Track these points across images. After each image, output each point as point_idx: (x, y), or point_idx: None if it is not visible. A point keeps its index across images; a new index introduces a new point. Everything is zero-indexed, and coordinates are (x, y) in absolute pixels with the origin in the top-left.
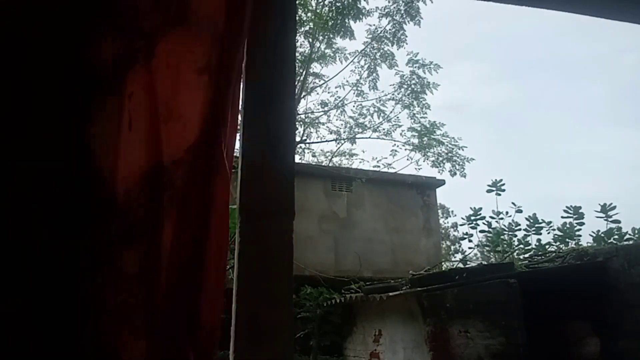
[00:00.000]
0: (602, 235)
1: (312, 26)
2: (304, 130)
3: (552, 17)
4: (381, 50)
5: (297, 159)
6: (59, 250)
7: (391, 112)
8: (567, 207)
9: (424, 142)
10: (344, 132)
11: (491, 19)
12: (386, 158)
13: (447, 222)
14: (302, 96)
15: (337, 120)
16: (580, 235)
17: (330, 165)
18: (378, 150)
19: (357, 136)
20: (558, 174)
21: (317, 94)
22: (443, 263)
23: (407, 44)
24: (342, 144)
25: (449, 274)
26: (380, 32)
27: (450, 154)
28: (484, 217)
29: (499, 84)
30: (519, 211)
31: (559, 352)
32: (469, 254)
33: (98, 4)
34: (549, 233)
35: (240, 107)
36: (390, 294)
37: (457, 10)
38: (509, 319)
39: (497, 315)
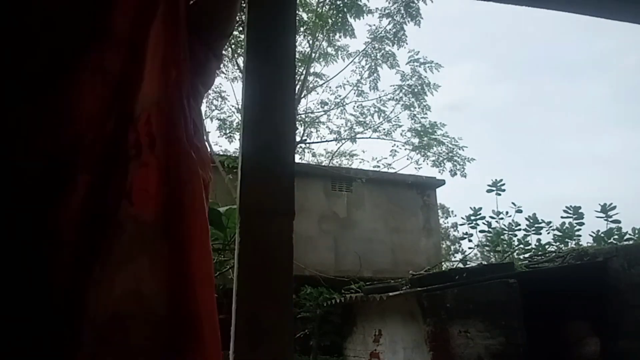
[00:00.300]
0: (602, 235)
1: (311, 26)
2: (304, 130)
3: (553, 17)
4: (382, 51)
5: (297, 159)
6: None
7: (391, 112)
8: (566, 207)
9: (424, 142)
10: (344, 132)
11: (491, 19)
12: (386, 158)
13: (447, 222)
14: (302, 96)
15: (337, 119)
16: (580, 236)
17: (330, 165)
18: (378, 150)
19: (357, 136)
20: (558, 174)
21: (317, 93)
22: (443, 263)
23: (407, 43)
24: (342, 144)
25: (449, 274)
26: (381, 32)
27: (450, 154)
28: (484, 217)
29: (500, 84)
30: (519, 211)
31: (559, 352)
32: (469, 254)
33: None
34: (548, 233)
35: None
36: (390, 294)
37: (457, 10)
38: (509, 319)
39: (497, 315)
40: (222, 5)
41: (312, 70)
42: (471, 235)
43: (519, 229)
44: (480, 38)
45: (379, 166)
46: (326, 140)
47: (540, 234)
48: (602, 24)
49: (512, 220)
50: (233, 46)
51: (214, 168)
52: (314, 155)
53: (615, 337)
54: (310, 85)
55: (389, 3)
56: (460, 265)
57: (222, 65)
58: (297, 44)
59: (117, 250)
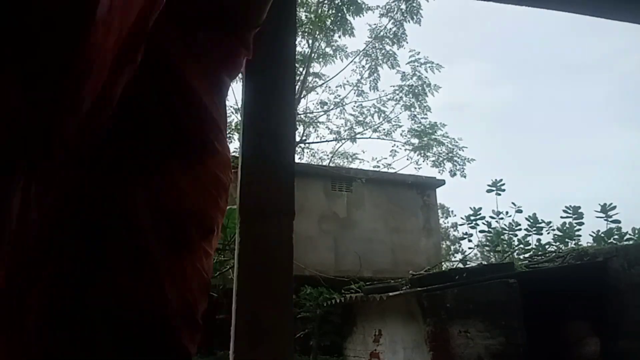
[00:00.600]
0: (602, 235)
1: (311, 26)
2: (303, 130)
3: (553, 17)
4: (383, 50)
5: (297, 159)
6: None
7: (391, 112)
8: (566, 207)
9: (424, 143)
10: (344, 132)
11: (492, 19)
12: (386, 158)
13: (447, 222)
14: (302, 96)
15: (337, 119)
16: (580, 236)
17: (330, 165)
18: (378, 151)
19: (357, 136)
20: (558, 174)
21: (317, 93)
22: (443, 263)
23: (407, 42)
24: (342, 144)
25: (449, 274)
26: (381, 31)
27: (450, 154)
28: (484, 217)
29: (500, 84)
30: (519, 211)
31: (559, 352)
32: (469, 254)
33: None
34: (548, 233)
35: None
36: (390, 294)
37: (458, 10)
38: (509, 319)
39: (497, 315)
40: None
41: (311, 70)
42: (471, 235)
43: (519, 229)
44: (480, 38)
45: (379, 166)
46: (326, 141)
47: (541, 234)
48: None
49: (512, 220)
50: None
51: None
52: (314, 155)
53: (615, 337)
54: (310, 85)
55: (390, 0)
56: (460, 265)
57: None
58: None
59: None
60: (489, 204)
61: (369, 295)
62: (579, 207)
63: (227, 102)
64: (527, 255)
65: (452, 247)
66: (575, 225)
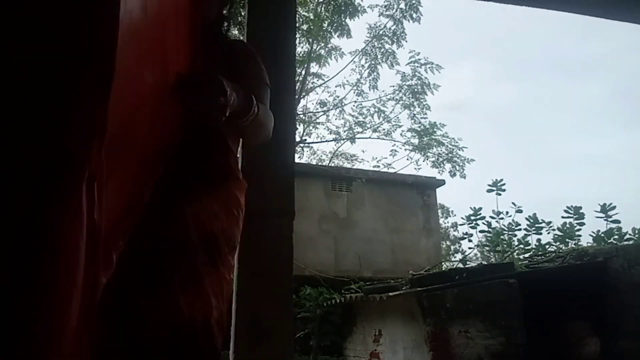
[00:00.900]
0: (602, 235)
1: (311, 26)
2: (303, 130)
3: (553, 17)
4: (382, 49)
5: (297, 159)
6: None
7: (391, 112)
8: (567, 207)
9: (424, 143)
10: (344, 132)
11: (492, 19)
12: (386, 158)
13: (447, 222)
14: (301, 96)
15: (336, 119)
16: (580, 236)
17: (330, 165)
18: (378, 151)
19: (357, 136)
20: (558, 174)
21: (317, 93)
22: (443, 263)
23: (406, 41)
24: (342, 144)
25: (449, 274)
26: (380, 30)
27: (450, 155)
28: (484, 217)
29: (500, 84)
30: (519, 211)
31: (559, 352)
32: (469, 254)
33: None
34: (548, 233)
35: None
36: (390, 294)
37: (458, 10)
38: (509, 319)
39: (497, 315)
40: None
41: (311, 70)
42: (471, 235)
43: (519, 229)
44: (480, 38)
45: (378, 166)
46: (326, 141)
47: (541, 234)
48: (602, 24)
49: (512, 220)
50: None
51: None
52: (314, 155)
53: (615, 337)
54: (309, 86)
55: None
56: (460, 265)
57: None
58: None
59: None
60: (489, 204)
61: (369, 295)
62: (580, 207)
63: None
64: (527, 255)
65: (452, 247)
66: (575, 225)
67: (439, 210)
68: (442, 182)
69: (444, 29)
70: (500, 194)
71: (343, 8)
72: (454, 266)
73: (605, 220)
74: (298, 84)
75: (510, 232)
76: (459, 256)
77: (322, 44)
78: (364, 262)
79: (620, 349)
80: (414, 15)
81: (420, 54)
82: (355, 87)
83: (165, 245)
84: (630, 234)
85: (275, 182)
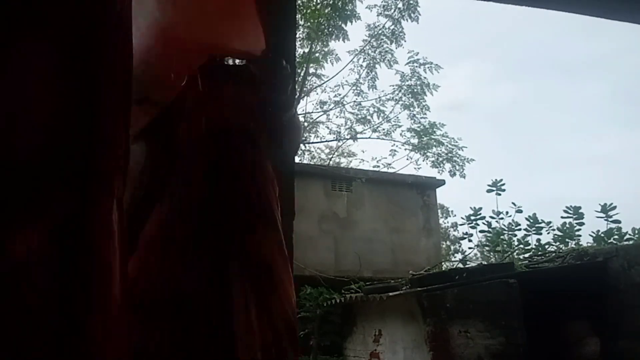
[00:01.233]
0: (602, 235)
1: (310, 26)
2: (303, 130)
3: (553, 17)
4: (380, 48)
5: (297, 159)
6: None
7: (391, 112)
8: (567, 207)
9: (424, 143)
10: (344, 131)
11: (492, 19)
12: (386, 158)
13: (447, 222)
14: (301, 96)
15: (337, 118)
16: (580, 236)
17: (330, 165)
18: (378, 150)
19: (357, 136)
20: (558, 174)
21: (317, 94)
22: (443, 263)
23: (405, 41)
24: (342, 144)
25: (449, 274)
26: (379, 30)
27: (450, 155)
28: (483, 217)
29: (500, 84)
30: (519, 211)
31: (559, 352)
32: (469, 254)
33: None
34: (548, 233)
35: None
36: (390, 294)
37: (458, 10)
38: (509, 319)
39: (497, 315)
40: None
41: (310, 71)
42: (471, 235)
43: (519, 229)
44: (480, 38)
45: (378, 166)
46: (326, 141)
47: (541, 234)
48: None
49: (512, 220)
50: None
51: None
52: (313, 155)
53: (615, 337)
54: (309, 86)
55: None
56: (460, 265)
57: None
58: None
59: None
60: (489, 204)
61: (369, 295)
62: (580, 207)
63: None
64: (527, 255)
65: (452, 247)
66: (575, 225)
67: (439, 210)
68: (442, 182)
69: (444, 29)
70: (500, 194)
71: (338, 13)
72: (454, 266)
73: (605, 220)
74: (298, 84)
75: (510, 232)
76: (459, 256)
77: (320, 46)
78: (364, 262)
79: (620, 349)
80: (412, 15)
81: (419, 54)
82: (354, 87)
83: (239, 268)
84: (630, 234)
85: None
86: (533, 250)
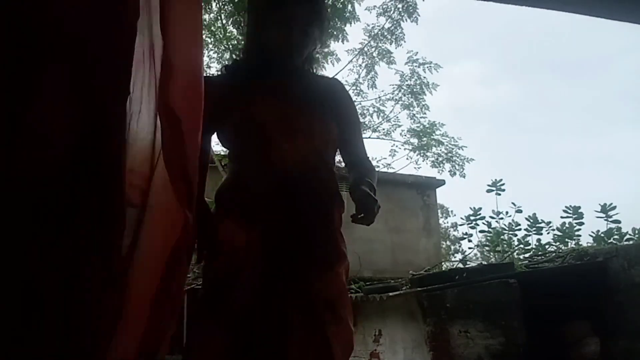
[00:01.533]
0: (602, 235)
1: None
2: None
3: (553, 17)
4: (379, 48)
5: None
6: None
7: (391, 112)
8: (566, 207)
9: (424, 142)
10: None
11: (492, 18)
12: (385, 158)
13: (447, 222)
14: None
15: None
16: (580, 236)
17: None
18: (378, 150)
19: None
20: (558, 174)
21: None
22: (443, 263)
23: (405, 41)
24: None
25: (449, 274)
26: (378, 31)
27: (450, 154)
28: (483, 217)
29: (500, 84)
30: (519, 211)
31: (559, 352)
32: (469, 254)
33: None
34: (548, 233)
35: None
36: (390, 294)
37: (458, 10)
38: (509, 319)
39: (497, 315)
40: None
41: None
42: (471, 235)
43: (519, 229)
44: (480, 38)
45: (378, 166)
46: None
47: (541, 234)
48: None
49: (512, 220)
50: (232, 47)
51: (214, 168)
52: None
53: (615, 337)
54: None
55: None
56: (460, 265)
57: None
58: None
59: None
60: (489, 204)
61: (369, 295)
62: (579, 207)
63: None
64: (527, 255)
65: (452, 247)
66: (575, 225)
67: (439, 210)
68: (442, 182)
69: (444, 29)
70: (499, 194)
71: (338, 14)
72: (454, 266)
73: (605, 220)
74: None
75: (510, 232)
76: (459, 256)
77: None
78: (364, 262)
79: (620, 349)
80: (412, 17)
81: (418, 54)
82: (354, 87)
83: (294, 314)
84: (630, 234)
85: None
86: (533, 250)
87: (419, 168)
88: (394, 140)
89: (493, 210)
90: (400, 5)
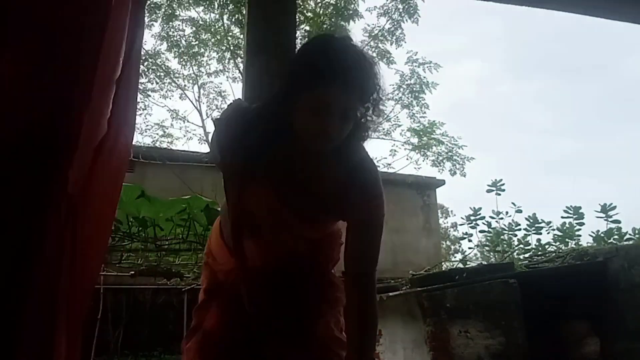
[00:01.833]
0: (602, 235)
1: (309, 29)
2: None
3: (553, 17)
4: (378, 49)
5: None
6: None
7: (391, 111)
8: (567, 207)
9: (424, 142)
10: None
11: (492, 18)
12: (385, 158)
13: (447, 222)
14: None
15: None
16: (580, 236)
17: None
18: (377, 150)
19: None
20: (558, 174)
21: None
22: (443, 263)
23: (405, 42)
24: None
25: (449, 274)
26: (378, 32)
27: (450, 153)
28: (483, 217)
29: (500, 84)
30: (519, 211)
31: (559, 352)
32: (469, 254)
33: None
34: (548, 233)
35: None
36: (390, 294)
37: (458, 10)
38: (509, 319)
39: (497, 315)
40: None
41: None
42: (471, 235)
43: (519, 229)
44: (480, 38)
45: (378, 166)
46: None
47: (541, 234)
48: (602, 24)
49: (512, 220)
50: (232, 47)
51: (214, 168)
52: None
53: (615, 337)
54: None
55: (387, 0)
56: (460, 265)
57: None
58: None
59: None
60: (488, 204)
61: None
62: (580, 207)
63: (227, 102)
64: (527, 255)
65: (452, 247)
66: (575, 225)
67: (439, 210)
68: (442, 182)
69: (444, 29)
70: (499, 194)
71: (340, 13)
72: (454, 266)
73: (605, 220)
74: None
75: (510, 232)
76: (459, 256)
77: None
78: None
79: (620, 349)
80: (412, 17)
81: (418, 54)
82: None
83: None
84: (630, 234)
85: None
86: (533, 250)
87: (419, 168)
88: (394, 140)
89: (493, 210)
90: (401, 6)
